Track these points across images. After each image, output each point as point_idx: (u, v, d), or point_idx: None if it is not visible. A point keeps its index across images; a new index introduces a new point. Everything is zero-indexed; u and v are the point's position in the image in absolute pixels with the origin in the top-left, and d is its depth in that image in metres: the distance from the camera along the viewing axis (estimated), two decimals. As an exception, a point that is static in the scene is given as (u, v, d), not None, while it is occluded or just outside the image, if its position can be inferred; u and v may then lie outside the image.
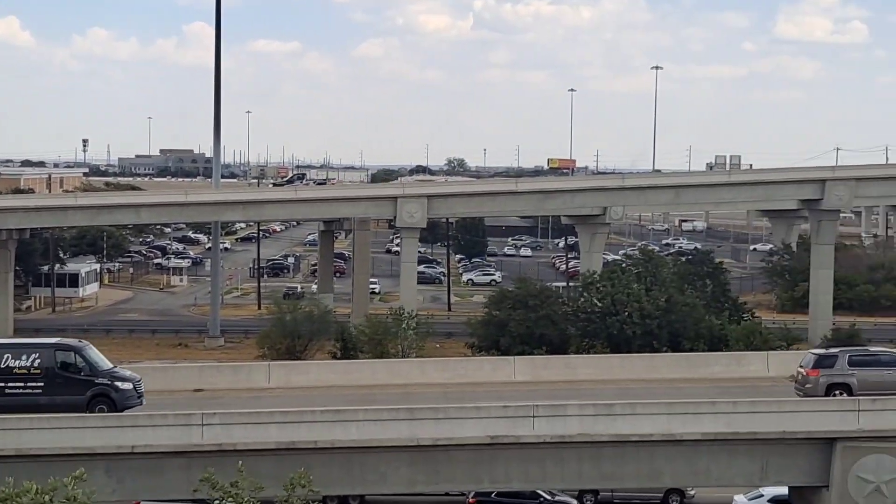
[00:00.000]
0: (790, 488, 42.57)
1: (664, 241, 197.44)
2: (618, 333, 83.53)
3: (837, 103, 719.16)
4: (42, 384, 41.82)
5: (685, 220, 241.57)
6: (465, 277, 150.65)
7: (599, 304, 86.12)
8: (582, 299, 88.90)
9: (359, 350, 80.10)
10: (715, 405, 40.08)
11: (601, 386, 49.75)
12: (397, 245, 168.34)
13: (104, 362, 43.42)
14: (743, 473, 40.17)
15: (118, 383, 42.48)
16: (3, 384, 41.62)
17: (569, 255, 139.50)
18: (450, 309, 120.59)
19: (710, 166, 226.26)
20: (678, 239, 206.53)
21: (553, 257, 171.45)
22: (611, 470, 39.98)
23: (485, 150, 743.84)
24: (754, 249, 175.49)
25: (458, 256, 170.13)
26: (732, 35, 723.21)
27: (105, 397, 41.96)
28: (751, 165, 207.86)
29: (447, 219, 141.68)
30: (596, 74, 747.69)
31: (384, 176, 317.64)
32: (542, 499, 54.17)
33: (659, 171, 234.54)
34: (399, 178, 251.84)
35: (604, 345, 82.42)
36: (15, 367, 41.96)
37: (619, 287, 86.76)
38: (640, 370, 52.98)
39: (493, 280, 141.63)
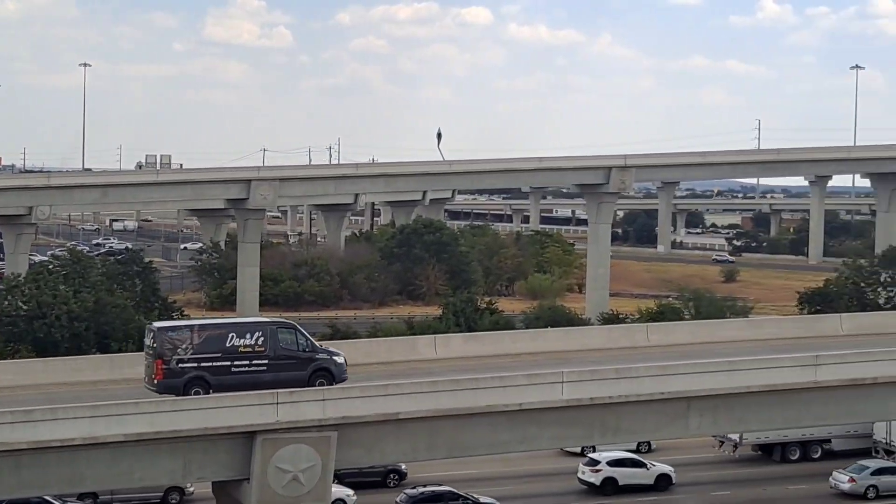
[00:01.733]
0: (213, 483, 43.56)
1: (95, 241, 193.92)
2: (44, 337, 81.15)
3: (265, 105, 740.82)
4: (266, 362, 43.35)
5: (116, 220, 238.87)
6: None
7: (25, 308, 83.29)
8: (6, 302, 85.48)
9: None
10: (139, 405, 40.18)
11: (22, 392, 48.13)
12: None
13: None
14: (167, 472, 40.58)
15: (335, 358, 45.13)
16: (229, 363, 43.00)
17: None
18: None
19: (139, 165, 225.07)
20: (109, 239, 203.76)
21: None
22: (31, 477, 38.88)
23: None
24: (185, 248, 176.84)
25: None
26: (162, 35, 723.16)
27: (326, 371, 44.51)
28: (181, 165, 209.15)
29: None
30: (24, 69, 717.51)
31: None
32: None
33: (89, 169, 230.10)
34: None
35: (29, 349, 79.73)
36: (240, 346, 43.29)
37: (45, 289, 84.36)
38: (64, 374, 51.78)
39: None
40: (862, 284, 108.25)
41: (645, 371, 45.62)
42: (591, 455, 62.20)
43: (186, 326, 45.00)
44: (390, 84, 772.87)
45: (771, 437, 66.10)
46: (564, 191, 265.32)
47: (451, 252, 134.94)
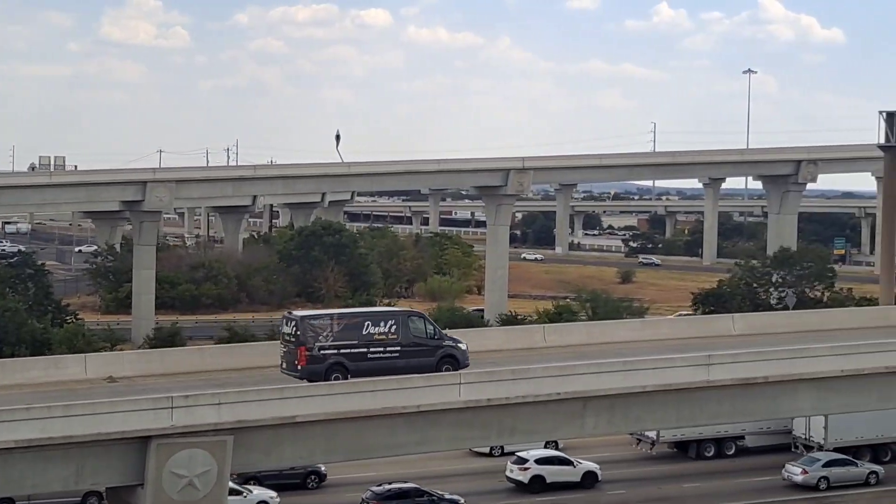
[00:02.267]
0: (107, 489, 42.92)
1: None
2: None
3: (162, 106, 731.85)
4: (398, 349, 45.62)
5: (8, 223, 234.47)
6: None
7: None
8: None
9: None
10: (29, 411, 39.38)
11: None
12: None
13: None
14: (59, 478, 39.77)
15: (459, 345, 47.14)
16: (365, 349, 45.17)
17: None
18: None
19: (32, 167, 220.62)
20: (1, 241, 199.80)
21: None
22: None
23: None
24: (79, 251, 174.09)
25: None
26: (57, 34, 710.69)
27: (452, 358, 46.59)
28: (76, 167, 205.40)
29: None
30: None
31: None
32: None
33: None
34: None
35: (-84, 354, 77.89)
36: (375, 334, 45.45)
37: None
38: (-47, 379, 50.68)
39: None
40: (754, 285, 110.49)
41: (542, 372, 45.91)
42: (519, 453, 63.38)
43: (327, 315, 46.88)
44: (289, 85, 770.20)
45: (687, 434, 67.98)
46: (464, 193, 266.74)
47: (351, 254, 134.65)
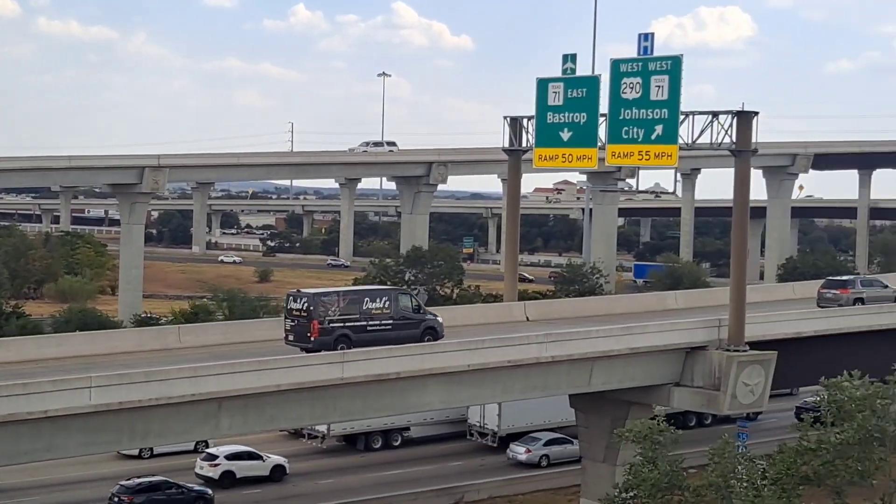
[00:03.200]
0: None
1: None
2: None
3: None
4: (391, 322, 49.47)
5: None
6: None
7: None
8: None
9: None
10: None
11: None
12: None
13: None
14: None
15: (437, 318, 51.16)
16: (365, 323, 49.03)
17: None
18: None
19: None
20: None
21: None
22: None
23: None
24: None
25: None
26: None
27: (433, 330, 50.66)
28: None
29: None
30: None
31: None
32: None
33: None
34: None
35: None
36: (373, 309, 49.26)
37: None
38: None
39: None
40: (388, 283, 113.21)
41: (176, 373, 45.22)
42: (208, 450, 64.43)
43: (334, 292, 50.72)
44: None
45: (356, 427, 70.64)
46: (97, 190, 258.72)
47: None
